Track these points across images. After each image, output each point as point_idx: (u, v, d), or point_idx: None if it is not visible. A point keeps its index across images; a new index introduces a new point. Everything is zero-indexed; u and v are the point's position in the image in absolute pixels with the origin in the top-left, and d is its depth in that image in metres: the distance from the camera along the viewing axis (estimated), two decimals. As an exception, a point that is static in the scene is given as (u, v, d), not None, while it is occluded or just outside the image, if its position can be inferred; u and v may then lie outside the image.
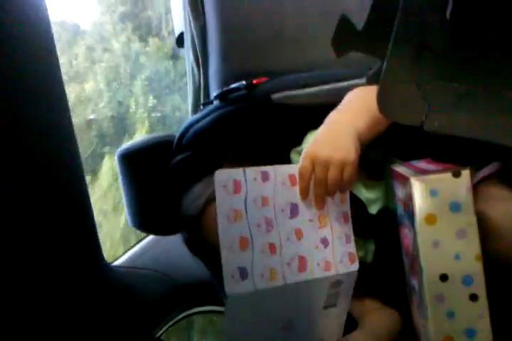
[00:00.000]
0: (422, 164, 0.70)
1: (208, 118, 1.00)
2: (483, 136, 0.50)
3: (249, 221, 0.72)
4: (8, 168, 0.86)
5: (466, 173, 0.62)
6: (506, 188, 0.76)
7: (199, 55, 1.07)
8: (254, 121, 0.98)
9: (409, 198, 0.65)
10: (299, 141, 0.94)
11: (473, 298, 0.62)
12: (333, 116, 0.80)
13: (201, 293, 1.32)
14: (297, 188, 0.75)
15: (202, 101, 1.11)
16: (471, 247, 0.62)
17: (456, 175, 0.62)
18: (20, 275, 0.91)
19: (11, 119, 0.86)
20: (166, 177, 1.04)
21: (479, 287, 0.62)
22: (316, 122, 0.93)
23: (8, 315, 0.90)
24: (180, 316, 1.34)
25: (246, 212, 0.73)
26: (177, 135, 1.06)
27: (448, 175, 0.63)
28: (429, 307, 0.63)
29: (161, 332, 1.30)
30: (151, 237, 1.39)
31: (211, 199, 0.88)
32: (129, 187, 1.09)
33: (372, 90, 0.77)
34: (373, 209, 0.84)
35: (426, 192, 0.63)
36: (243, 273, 0.72)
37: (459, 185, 0.62)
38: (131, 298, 1.21)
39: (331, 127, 0.77)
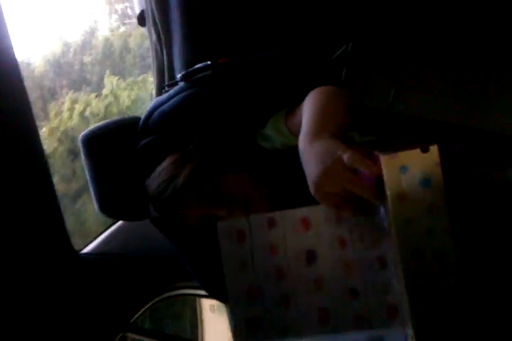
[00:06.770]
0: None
1: (173, 100, 0.97)
2: (448, 118, 0.51)
3: (257, 271, 0.69)
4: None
5: (434, 149, 0.63)
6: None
7: (161, 34, 1.03)
8: (220, 103, 0.96)
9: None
10: (265, 122, 0.93)
11: (446, 274, 0.63)
12: (305, 140, 0.73)
13: (174, 275, 1.32)
14: (312, 232, 0.70)
15: (167, 82, 1.08)
16: (442, 222, 0.63)
17: (425, 150, 0.63)
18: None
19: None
20: (132, 161, 1.02)
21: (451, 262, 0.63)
22: (282, 102, 0.92)
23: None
24: (155, 300, 1.33)
25: (253, 262, 0.70)
26: (142, 117, 1.04)
27: (416, 151, 0.63)
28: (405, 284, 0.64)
29: (136, 316, 1.29)
30: (120, 222, 1.37)
31: (188, 180, 0.87)
32: (94, 171, 1.06)
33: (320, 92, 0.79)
34: None
35: (396, 169, 0.63)
36: (253, 326, 0.69)
37: (428, 160, 0.63)
38: (101, 284, 1.19)
39: (311, 151, 0.70)
